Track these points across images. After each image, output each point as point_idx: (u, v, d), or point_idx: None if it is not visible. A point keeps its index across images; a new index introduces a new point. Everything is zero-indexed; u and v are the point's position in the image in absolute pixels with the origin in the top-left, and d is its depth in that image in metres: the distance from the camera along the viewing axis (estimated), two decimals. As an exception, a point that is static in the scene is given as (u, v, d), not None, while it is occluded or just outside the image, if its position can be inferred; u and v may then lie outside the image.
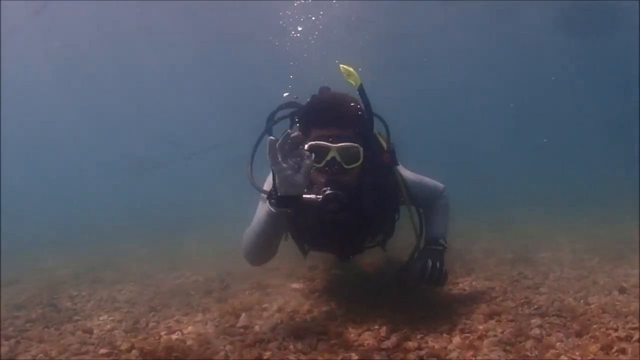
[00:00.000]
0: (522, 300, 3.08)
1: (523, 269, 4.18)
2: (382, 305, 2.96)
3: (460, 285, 3.64)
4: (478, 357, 2.19)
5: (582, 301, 3.04)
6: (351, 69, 2.72)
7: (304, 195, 2.44)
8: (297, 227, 2.92)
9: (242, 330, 2.80)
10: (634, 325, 2.45)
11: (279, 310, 3.17)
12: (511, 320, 2.66)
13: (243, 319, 2.95)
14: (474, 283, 3.69)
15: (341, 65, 2.73)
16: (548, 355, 2.18)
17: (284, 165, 2.32)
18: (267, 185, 2.86)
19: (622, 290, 3.24)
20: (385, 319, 2.73)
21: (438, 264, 2.82)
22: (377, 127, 2.93)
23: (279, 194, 2.41)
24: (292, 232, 3.03)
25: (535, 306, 2.94)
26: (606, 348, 2.20)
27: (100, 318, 3.45)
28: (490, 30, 17.84)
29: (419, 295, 3.16)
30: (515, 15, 16.68)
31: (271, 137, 2.32)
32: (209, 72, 20.51)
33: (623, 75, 19.96)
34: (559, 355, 2.17)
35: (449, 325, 2.59)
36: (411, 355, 2.25)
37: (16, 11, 13.71)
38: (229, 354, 2.39)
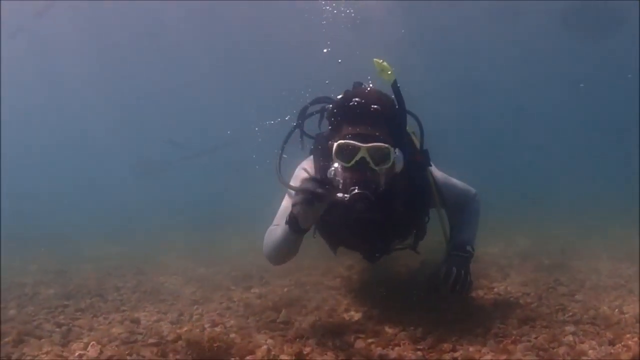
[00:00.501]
0: (557, 307, 3.10)
1: (559, 276, 4.17)
2: (416, 307, 3.03)
3: (496, 289, 3.68)
4: (511, 361, 2.24)
5: (617, 310, 3.05)
6: (385, 64, 2.64)
7: (337, 194, 2.44)
8: (325, 225, 2.95)
9: (282, 325, 2.93)
10: (667, 336, 2.45)
11: (317, 307, 3.28)
12: (545, 327, 2.69)
13: (283, 315, 3.07)
14: (509, 288, 3.72)
15: (375, 60, 2.65)
16: (580, 362, 2.22)
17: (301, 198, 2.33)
18: (294, 181, 2.86)
19: (657, 301, 3.22)
20: (420, 320, 2.78)
21: (463, 271, 2.77)
22: (411, 126, 2.93)
23: (299, 224, 2.47)
24: (321, 229, 3.06)
25: (570, 313, 2.96)
26: (638, 357, 2.22)
27: (146, 309, 3.62)
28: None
29: (452, 298, 3.19)
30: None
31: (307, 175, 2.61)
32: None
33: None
34: (591, 362, 2.21)
35: (483, 329, 2.63)
36: (446, 357, 2.31)
37: (18, 12, 13.79)
38: (270, 348, 2.50)
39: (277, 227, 2.78)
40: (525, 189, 16.46)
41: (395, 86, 2.63)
